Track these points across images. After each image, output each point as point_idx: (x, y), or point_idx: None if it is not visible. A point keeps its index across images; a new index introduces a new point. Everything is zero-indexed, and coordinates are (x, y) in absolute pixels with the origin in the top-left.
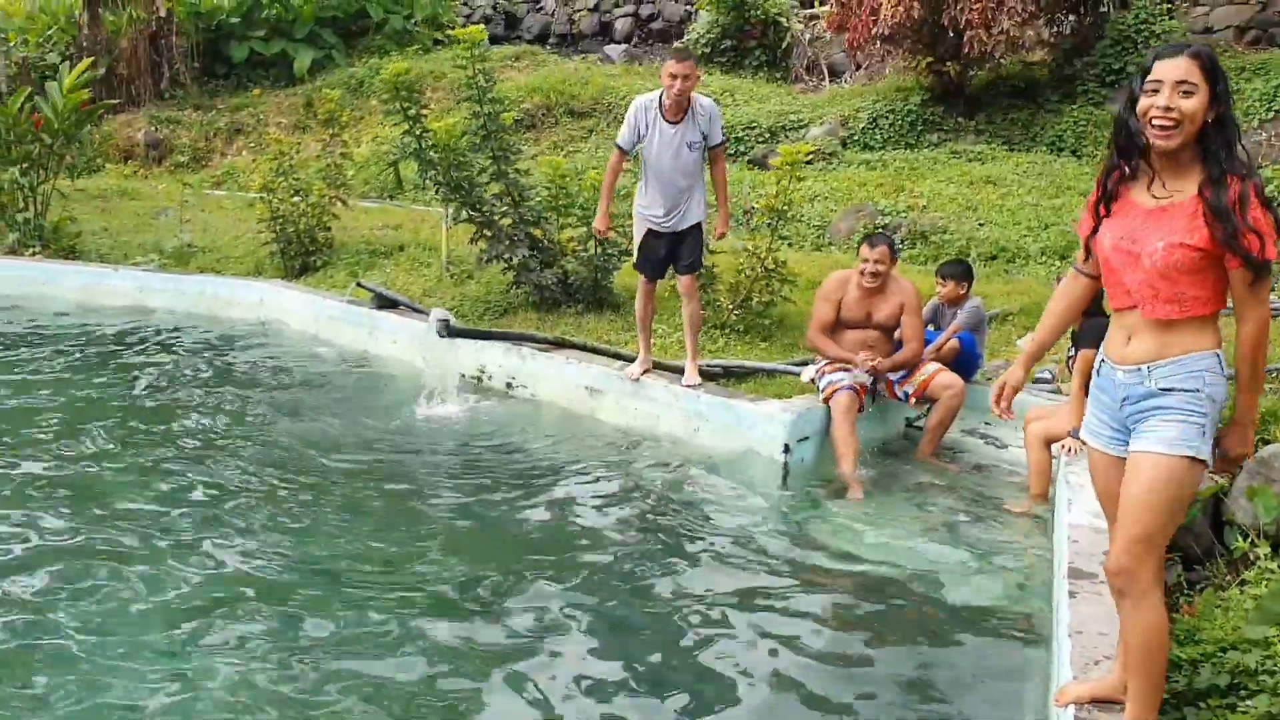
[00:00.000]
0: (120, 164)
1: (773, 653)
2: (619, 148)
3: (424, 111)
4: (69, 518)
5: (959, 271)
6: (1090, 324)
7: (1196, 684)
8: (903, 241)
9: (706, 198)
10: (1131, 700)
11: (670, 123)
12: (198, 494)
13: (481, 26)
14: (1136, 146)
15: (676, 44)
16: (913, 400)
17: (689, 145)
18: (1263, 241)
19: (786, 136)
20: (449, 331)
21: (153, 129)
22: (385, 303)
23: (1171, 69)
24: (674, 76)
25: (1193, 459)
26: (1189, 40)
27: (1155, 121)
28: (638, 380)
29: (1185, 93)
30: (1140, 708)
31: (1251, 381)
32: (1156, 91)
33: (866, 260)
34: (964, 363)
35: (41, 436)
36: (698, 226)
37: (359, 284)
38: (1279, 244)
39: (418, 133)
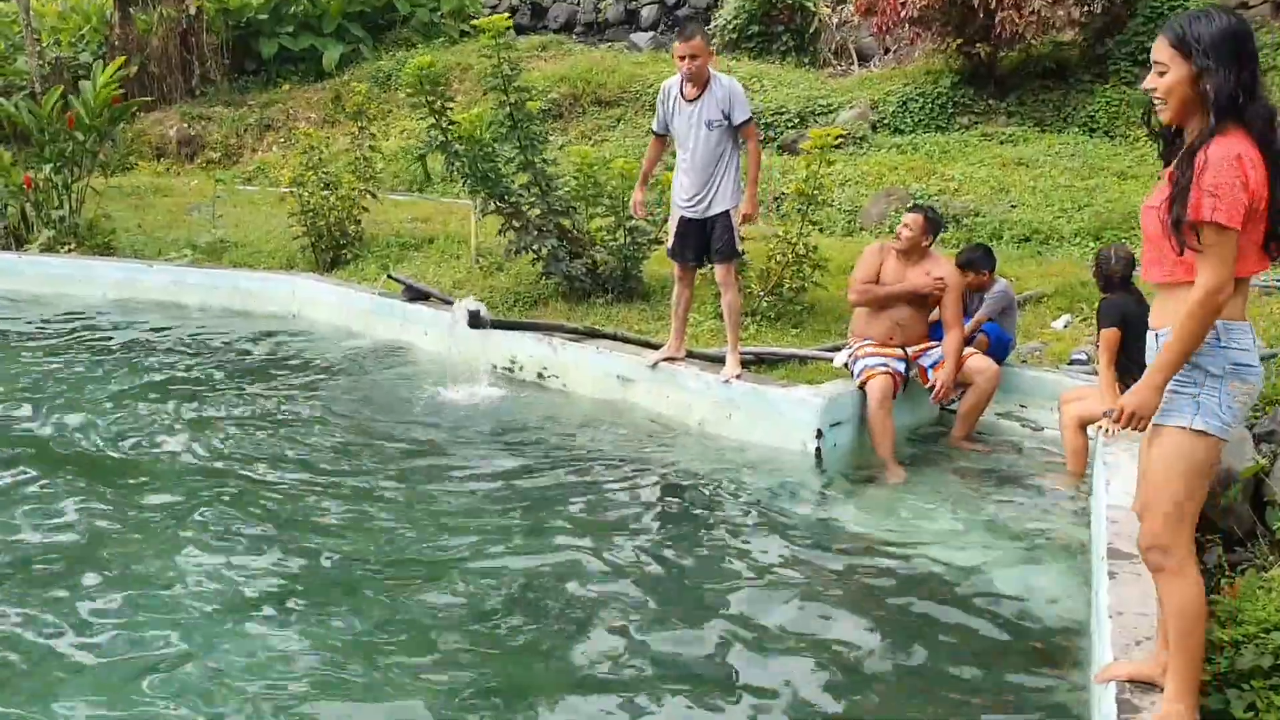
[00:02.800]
0: (153, 161)
1: (808, 638)
2: (654, 133)
3: (449, 104)
4: (102, 502)
5: (976, 259)
6: (1106, 303)
7: (1239, 665)
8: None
9: (739, 185)
10: (1171, 676)
11: (689, 102)
12: (230, 485)
13: (506, 15)
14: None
15: (685, 22)
16: None
17: (708, 124)
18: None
19: (815, 121)
20: (479, 323)
21: (184, 126)
22: (416, 295)
23: (1153, 50)
24: (681, 57)
25: (1190, 430)
26: (1222, 15)
27: (1153, 101)
28: (654, 367)
29: (1160, 72)
30: (1180, 682)
31: (1169, 349)
32: None
33: (906, 225)
34: (994, 351)
35: (78, 427)
36: (726, 214)
37: (390, 276)
38: (1209, 207)
39: (443, 125)
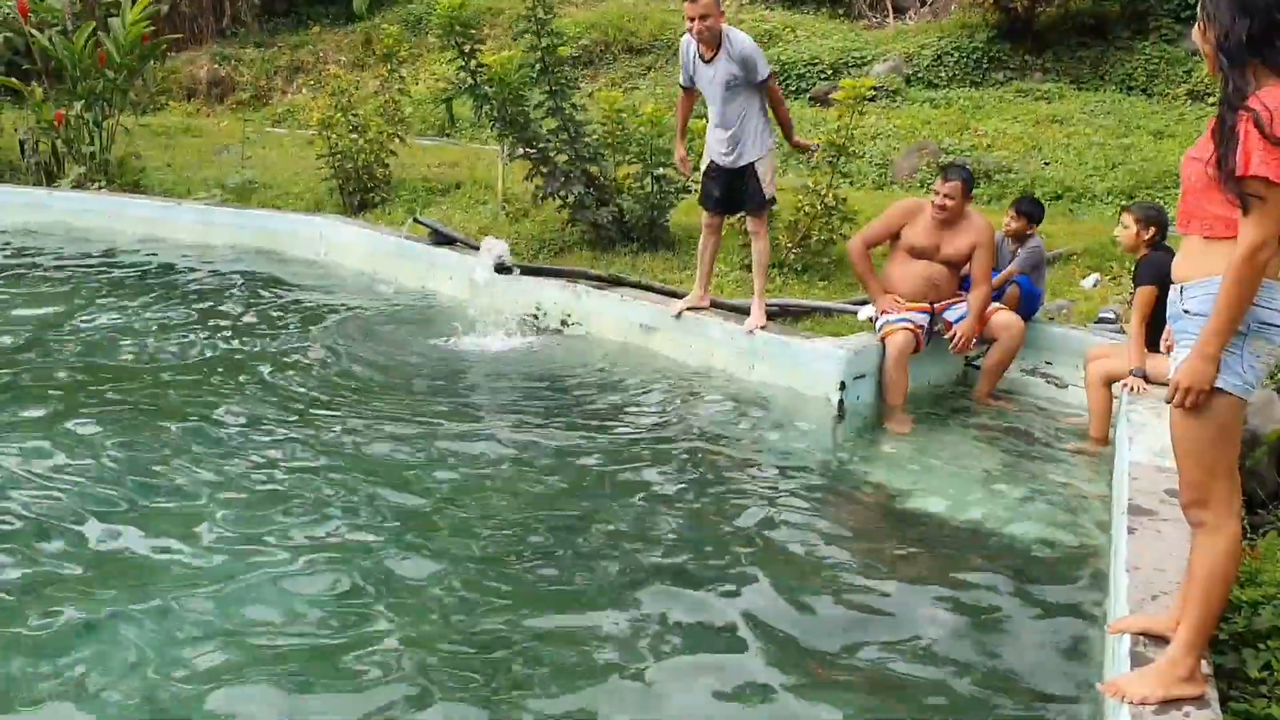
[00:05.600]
0: (183, 102)
1: (825, 590)
2: (682, 87)
3: (479, 47)
4: (128, 444)
5: (1033, 210)
6: (1147, 259)
7: (1256, 625)
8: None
9: (767, 137)
10: (1183, 624)
11: (706, 62)
12: (244, 427)
13: None
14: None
15: None
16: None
17: (726, 85)
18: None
19: (849, 74)
20: (503, 268)
21: (215, 67)
22: (442, 239)
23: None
24: (691, 18)
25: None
26: None
27: None
28: (678, 316)
29: (1199, 27)
30: (1191, 633)
31: (1217, 314)
32: None
33: (938, 192)
34: (1025, 305)
35: (107, 366)
36: (755, 166)
37: (416, 219)
38: (1259, 164)
39: (472, 68)
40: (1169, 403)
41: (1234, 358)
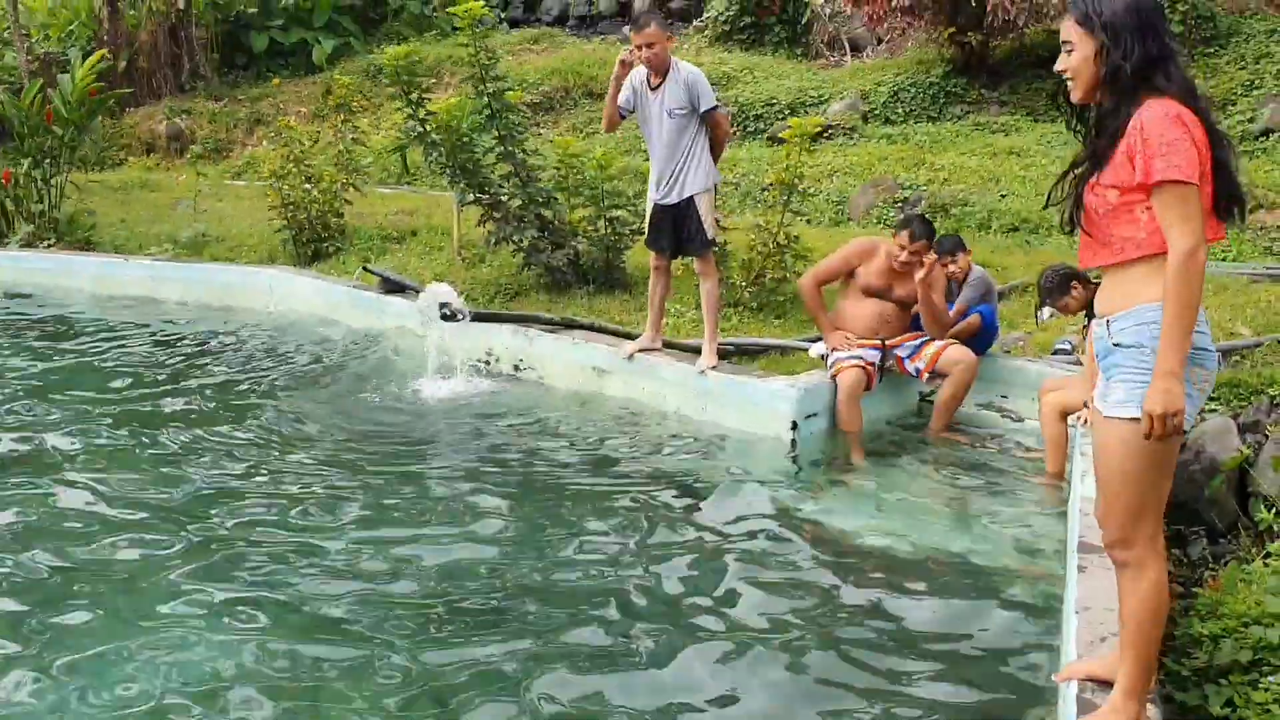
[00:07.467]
0: (143, 156)
1: (781, 628)
2: (619, 106)
3: (426, 95)
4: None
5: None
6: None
7: (1218, 660)
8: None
9: (708, 173)
10: (1121, 669)
11: (653, 89)
12: (202, 481)
13: (483, 4)
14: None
15: (638, 15)
16: (924, 376)
17: (669, 113)
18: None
19: (806, 112)
20: (452, 315)
21: (174, 121)
22: (392, 287)
23: (1062, 30)
24: (639, 46)
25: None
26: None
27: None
28: (630, 358)
29: (1068, 51)
30: (1129, 679)
31: (1169, 327)
32: None
33: (904, 248)
34: (985, 334)
35: (54, 421)
36: (697, 205)
37: (365, 268)
38: (1162, 166)
39: (420, 116)
40: (1148, 438)
41: (1141, 389)
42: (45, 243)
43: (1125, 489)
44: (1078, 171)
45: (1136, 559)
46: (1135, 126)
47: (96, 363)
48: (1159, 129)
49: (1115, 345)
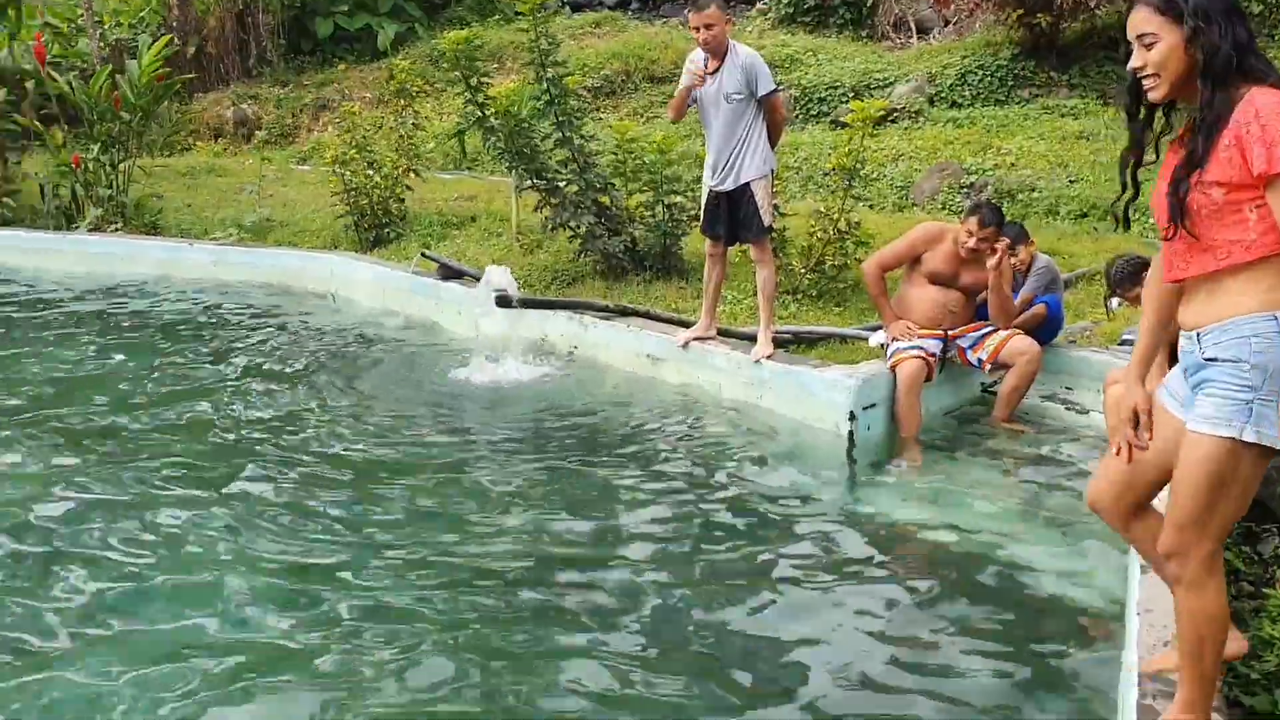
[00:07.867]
0: (210, 141)
1: (836, 626)
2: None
3: (486, 79)
4: (130, 480)
5: (1014, 233)
6: None
7: None
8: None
9: (766, 159)
10: (1182, 685)
11: (711, 73)
12: (257, 464)
13: None
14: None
15: None
16: (986, 367)
17: (726, 98)
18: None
19: (871, 95)
20: (507, 302)
21: (241, 106)
22: (450, 273)
23: (1130, 25)
24: (696, 28)
25: (1239, 442)
26: None
27: (1142, 79)
28: (684, 346)
29: (1147, 45)
30: (1190, 692)
31: None
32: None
33: (971, 234)
34: (1050, 324)
35: (115, 404)
36: (753, 191)
37: (424, 254)
38: None
39: (479, 100)
40: None
41: (1269, 407)
42: (113, 227)
43: (1193, 501)
44: (1179, 174)
45: (1192, 578)
46: (1248, 115)
47: (158, 342)
48: (1274, 116)
49: (1208, 360)
